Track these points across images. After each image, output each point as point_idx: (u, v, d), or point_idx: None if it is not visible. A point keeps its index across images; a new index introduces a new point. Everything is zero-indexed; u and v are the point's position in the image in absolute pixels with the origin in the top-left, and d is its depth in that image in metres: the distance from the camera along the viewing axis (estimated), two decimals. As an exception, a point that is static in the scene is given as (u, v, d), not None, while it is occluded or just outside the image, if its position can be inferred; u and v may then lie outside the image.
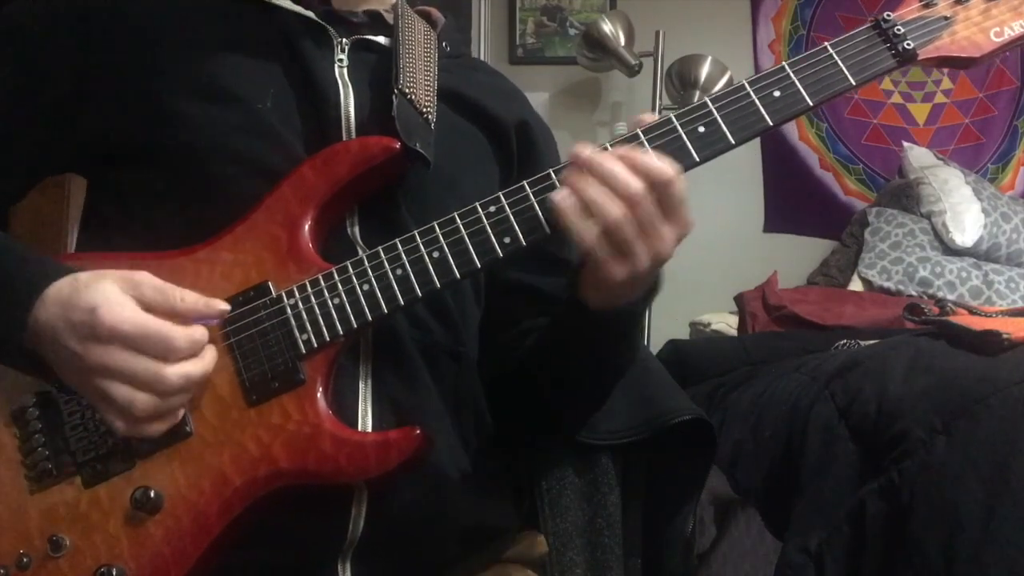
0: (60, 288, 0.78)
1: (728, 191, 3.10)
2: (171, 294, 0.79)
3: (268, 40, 0.94)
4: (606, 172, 0.78)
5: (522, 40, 3.35)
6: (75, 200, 3.17)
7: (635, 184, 0.77)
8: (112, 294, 0.76)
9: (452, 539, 0.92)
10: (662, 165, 0.78)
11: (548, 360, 0.99)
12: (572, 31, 3.31)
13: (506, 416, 1.03)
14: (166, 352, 0.76)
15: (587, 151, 0.80)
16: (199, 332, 0.79)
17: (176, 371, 0.77)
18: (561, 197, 0.79)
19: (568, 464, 1.09)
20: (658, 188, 0.78)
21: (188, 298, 0.79)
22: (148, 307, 0.77)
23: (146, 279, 0.78)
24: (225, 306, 0.82)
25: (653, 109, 2.98)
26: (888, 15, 0.84)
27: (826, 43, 0.83)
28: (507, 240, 0.81)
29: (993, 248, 2.69)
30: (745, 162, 3.19)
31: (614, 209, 0.77)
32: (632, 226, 0.77)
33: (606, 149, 0.80)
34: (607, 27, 2.95)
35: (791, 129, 3.24)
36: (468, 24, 3.24)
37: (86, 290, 0.77)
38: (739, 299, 2.46)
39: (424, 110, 0.94)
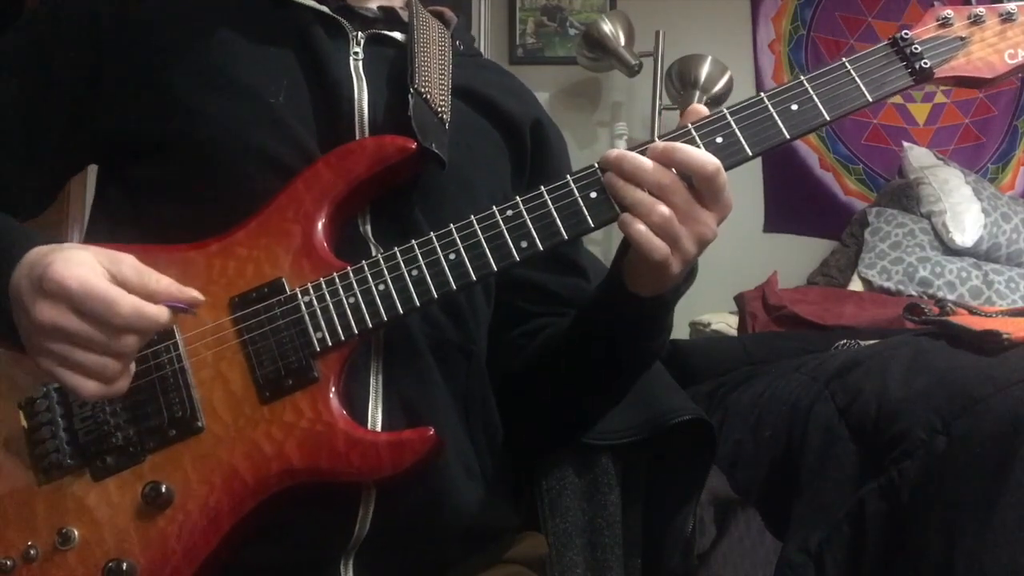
0: (39, 249, 0.77)
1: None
2: (147, 275, 0.76)
3: (282, 33, 0.94)
4: (635, 168, 0.80)
5: (522, 40, 3.35)
6: (75, 200, 3.18)
7: (666, 176, 0.79)
8: (78, 257, 0.74)
9: (454, 539, 0.92)
10: (704, 158, 0.79)
11: (578, 354, 0.98)
12: (572, 31, 3.31)
13: (508, 417, 1.03)
14: (107, 314, 0.72)
15: (613, 153, 0.81)
16: (155, 309, 0.75)
17: (127, 338, 0.74)
18: (627, 220, 0.80)
19: (568, 464, 1.09)
20: (700, 181, 0.79)
21: (163, 281, 0.77)
22: (121, 283, 0.74)
23: (128, 258, 0.76)
24: (198, 295, 0.79)
25: (653, 109, 2.98)
26: (906, 33, 0.84)
27: (844, 59, 0.84)
28: (524, 244, 0.82)
29: (993, 248, 2.70)
30: (745, 162, 3.19)
31: (656, 205, 0.79)
32: (675, 218, 0.79)
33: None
34: (607, 27, 2.95)
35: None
36: (468, 24, 3.24)
37: (58, 250, 0.75)
38: (739, 299, 2.46)
39: (439, 110, 0.94)
